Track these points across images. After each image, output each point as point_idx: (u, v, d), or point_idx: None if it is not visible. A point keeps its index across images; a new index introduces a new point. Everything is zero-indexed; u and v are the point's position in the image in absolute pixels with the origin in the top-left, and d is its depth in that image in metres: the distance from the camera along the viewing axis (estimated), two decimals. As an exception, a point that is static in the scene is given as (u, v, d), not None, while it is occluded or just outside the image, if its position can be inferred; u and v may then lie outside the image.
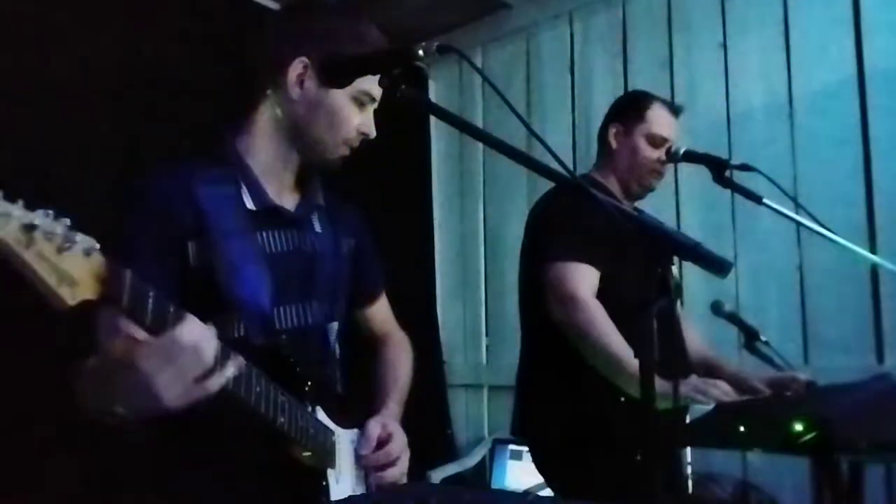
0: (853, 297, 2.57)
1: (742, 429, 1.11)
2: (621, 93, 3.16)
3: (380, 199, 3.71)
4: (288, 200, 1.31)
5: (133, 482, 2.31)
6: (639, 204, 2.18)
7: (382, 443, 1.31)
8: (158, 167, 1.24)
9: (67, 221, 0.77)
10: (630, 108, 2.02)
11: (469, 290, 3.80)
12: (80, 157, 2.38)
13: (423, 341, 3.73)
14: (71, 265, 0.76)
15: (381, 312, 1.62)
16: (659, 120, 1.98)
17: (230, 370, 0.95)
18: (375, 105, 1.29)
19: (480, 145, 3.44)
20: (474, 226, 3.80)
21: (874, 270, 2.53)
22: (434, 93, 3.90)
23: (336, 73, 1.13)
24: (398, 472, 1.33)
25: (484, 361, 3.72)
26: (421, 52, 1.03)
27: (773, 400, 1.58)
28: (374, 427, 1.31)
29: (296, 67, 1.23)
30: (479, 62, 3.67)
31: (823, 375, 1.73)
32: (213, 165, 1.25)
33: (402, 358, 1.59)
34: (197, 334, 0.90)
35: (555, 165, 1.01)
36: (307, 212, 1.34)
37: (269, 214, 1.24)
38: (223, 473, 1.18)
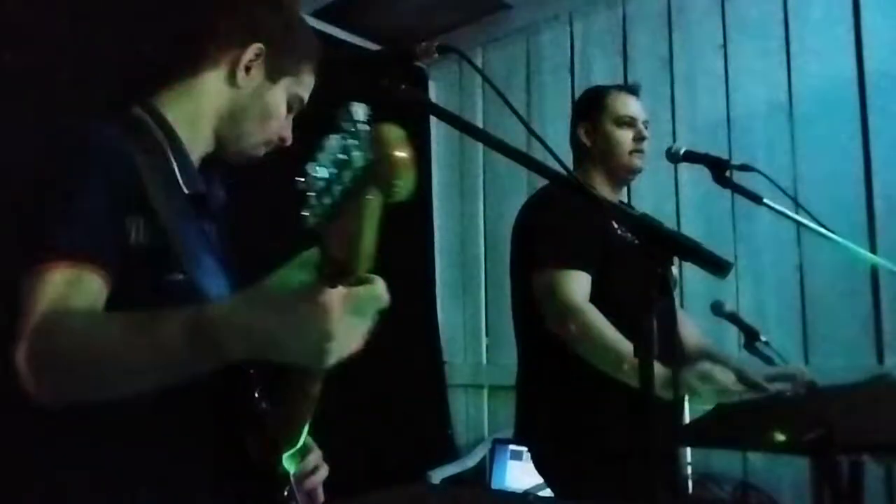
0: (853, 297, 2.57)
1: (742, 429, 1.11)
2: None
3: (380, 199, 3.71)
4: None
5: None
6: (639, 204, 2.18)
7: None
8: (97, 121, 1.07)
9: None
10: (590, 103, 2.03)
11: (469, 290, 3.80)
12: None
13: (423, 341, 3.75)
14: None
15: None
16: (620, 102, 1.98)
17: None
18: (300, 106, 1.24)
19: (480, 145, 3.44)
20: (474, 226, 3.80)
21: (874, 270, 2.53)
22: (434, 93, 3.90)
23: (335, 74, 1.12)
24: (323, 475, 1.25)
25: (484, 361, 3.72)
26: (421, 53, 1.03)
27: (773, 400, 1.58)
28: None
29: (249, 52, 1.16)
30: (479, 62, 3.68)
31: (823, 375, 1.73)
32: (145, 130, 1.11)
33: None
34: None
35: (555, 165, 1.01)
36: (217, 203, 1.22)
37: (199, 202, 1.12)
38: (175, 474, 1.06)
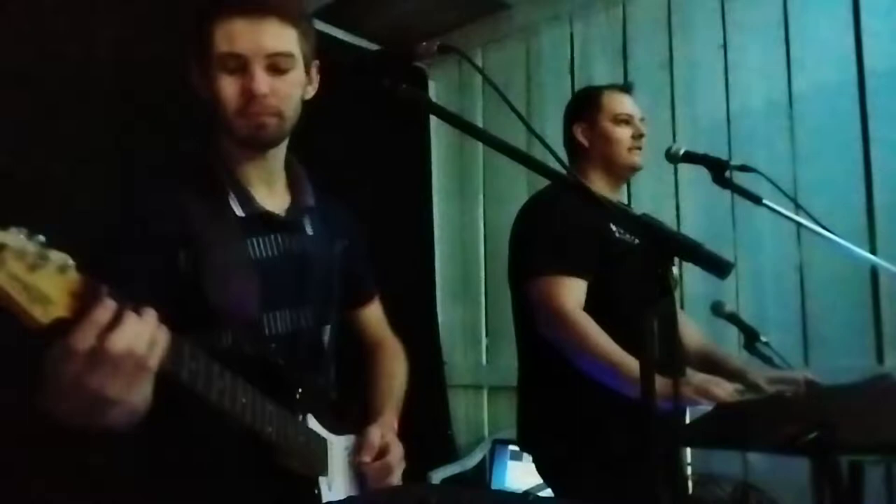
0: (853, 297, 2.57)
1: (742, 429, 1.11)
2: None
3: (380, 198, 3.72)
4: (278, 204, 1.29)
5: (121, 490, 2.31)
6: (638, 205, 2.17)
7: (382, 452, 1.30)
8: (145, 176, 1.23)
9: (42, 238, 0.75)
10: (585, 103, 2.03)
11: (469, 291, 3.80)
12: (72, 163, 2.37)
13: (423, 342, 3.75)
14: (44, 283, 0.73)
15: (374, 316, 1.60)
16: (615, 101, 1.99)
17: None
18: (257, 60, 1.17)
19: (480, 145, 3.44)
20: (474, 226, 3.80)
21: (874, 271, 2.53)
22: (434, 93, 3.90)
23: (334, 75, 1.12)
24: (391, 481, 1.32)
25: (484, 362, 3.72)
26: (421, 53, 1.03)
27: (773, 400, 1.58)
28: (375, 435, 1.30)
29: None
30: (479, 62, 3.67)
31: (823, 375, 1.73)
32: (199, 172, 1.24)
33: (397, 367, 1.57)
34: (129, 335, 0.83)
35: (555, 165, 1.01)
36: (297, 214, 1.32)
37: (259, 220, 1.23)
38: (214, 483, 1.17)
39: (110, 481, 2.32)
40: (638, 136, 1.95)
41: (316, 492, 1.16)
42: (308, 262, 1.29)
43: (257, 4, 1.17)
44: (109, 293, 0.80)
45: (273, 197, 1.29)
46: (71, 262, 0.77)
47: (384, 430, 1.33)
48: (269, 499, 1.14)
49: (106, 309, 0.80)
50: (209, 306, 1.12)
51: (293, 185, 1.34)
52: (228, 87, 1.17)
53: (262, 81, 1.16)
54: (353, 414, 1.37)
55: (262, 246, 1.22)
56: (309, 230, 1.33)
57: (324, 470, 1.19)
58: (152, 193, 1.18)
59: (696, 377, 1.59)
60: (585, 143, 1.98)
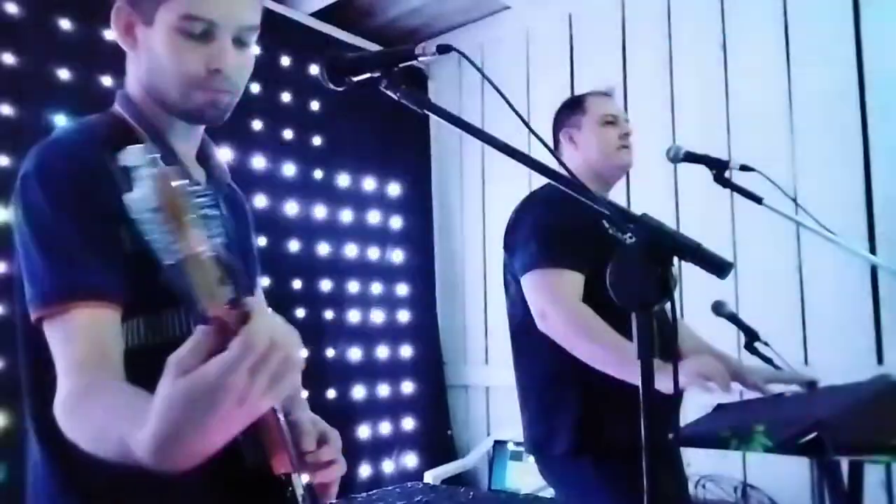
0: (853, 297, 2.57)
1: (742, 429, 1.11)
2: (621, 93, 3.16)
3: (380, 198, 3.73)
4: (196, 177, 1.14)
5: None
6: (638, 204, 2.17)
7: (322, 438, 1.15)
8: (61, 138, 1.05)
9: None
10: (569, 110, 2.05)
11: (469, 290, 3.80)
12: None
13: (424, 341, 3.75)
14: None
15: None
16: (599, 104, 2.01)
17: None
18: (228, 30, 1.05)
19: (480, 145, 3.44)
20: (474, 226, 3.81)
21: (874, 270, 2.54)
22: (434, 93, 3.90)
23: (334, 73, 1.11)
24: (341, 471, 1.22)
25: (484, 361, 3.72)
26: (420, 53, 1.03)
27: (772, 400, 1.58)
28: (311, 425, 1.14)
29: (118, 17, 1.07)
30: (478, 62, 3.67)
31: (823, 375, 1.73)
32: (118, 132, 1.07)
33: None
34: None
35: (555, 165, 1.01)
36: (217, 192, 1.17)
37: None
38: (172, 485, 1.07)
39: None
40: (625, 135, 1.96)
41: (290, 490, 1.10)
42: (231, 246, 1.14)
43: None
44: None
45: (194, 172, 1.15)
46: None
47: (307, 415, 1.18)
48: (238, 500, 1.07)
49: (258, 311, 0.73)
50: (160, 290, 0.92)
51: (206, 162, 1.20)
52: (189, 54, 1.03)
53: (231, 56, 1.05)
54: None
55: None
56: (224, 210, 1.20)
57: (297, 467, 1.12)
58: (85, 159, 0.99)
59: (693, 361, 1.57)
60: (574, 147, 2.00)
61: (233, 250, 1.15)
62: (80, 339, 0.91)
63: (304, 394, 1.32)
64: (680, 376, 1.49)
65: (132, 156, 0.68)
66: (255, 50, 1.13)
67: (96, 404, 0.88)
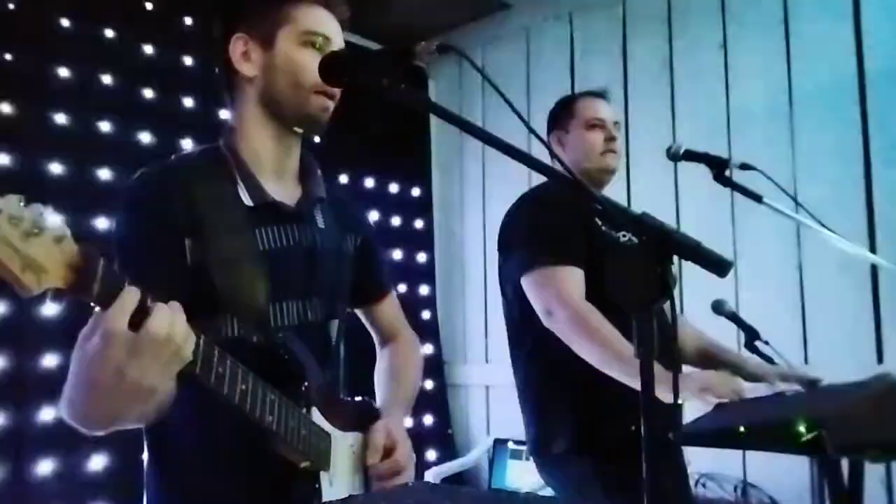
0: (853, 297, 2.58)
1: (742, 429, 1.11)
2: (621, 93, 3.17)
3: (380, 198, 3.72)
4: (288, 195, 1.28)
5: (119, 483, 2.32)
6: (638, 203, 2.17)
7: (388, 451, 1.28)
8: (154, 165, 1.22)
9: (40, 207, 0.74)
10: (559, 113, 2.05)
11: (469, 290, 3.80)
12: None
13: (424, 341, 3.75)
14: (38, 251, 0.73)
15: (389, 311, 1.57)
16: (587, 106, 2.01)
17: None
18: (335, 45, 1.26)
19: (480, 145, 3.44)
20: (474, 226, 3.81)
21: (874, 270, 2.54)
22: (434, 92, 3.90)
23: (333, 73, 1.11)
24: (402, 481, 1.29)
25: (484, 361, 3.72)
26: (421, 52, 1.03)
27: (772, 400, 1.57)
28: (379, 435, 1.27)
29: (236, 47, 1.24)
30: (478, 62, 3.68)
31: (823, 375, 1.73)
32: (209, 161, 1.24)
33: (410, 360, 1.54)
34: (167, 323, 0.86)
35: (554, 165, 1.01)
36: (308, 206, 1.31)
37: (268, 210, 1.22)
38: (211, 476, 1.16)
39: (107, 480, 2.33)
40: (610, 139, 1.96)
41: (316, 486, 1.15)
42: (317, 254, 1.28)
43: (337, 2, 1.29)
44: (105, 267, 0.81)
45: (284, 188, 1.28)
46: (68, 232, 0.77)
47: (391, 428, 1.30)
48: (268, 490, 1.14)
49: (132, 294, 0.83)
50: (216, 295, 1.12)
51: (305, 177, 1.34)
52: (313, 62, 1.17)
53: None
54: (360, 411, 1.34)
55: (270, 236, 1.21)
56: (320, 223, 1.32)
57: (326, 465, 1.18)
58: (161, 181, 1.19)
59: (699, 375, 1.58)
60: (562, 149, 2.00)
61: (322, 253, 1.29)
62: None
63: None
64: (684, 390, 1.49)
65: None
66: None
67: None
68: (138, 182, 1.19)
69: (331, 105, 1.25)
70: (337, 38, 1.26)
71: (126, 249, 1.14)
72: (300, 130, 1.28)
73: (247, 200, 1.21)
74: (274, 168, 1.27)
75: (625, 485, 1.68)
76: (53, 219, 0.76)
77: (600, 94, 2.07)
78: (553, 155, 0.99)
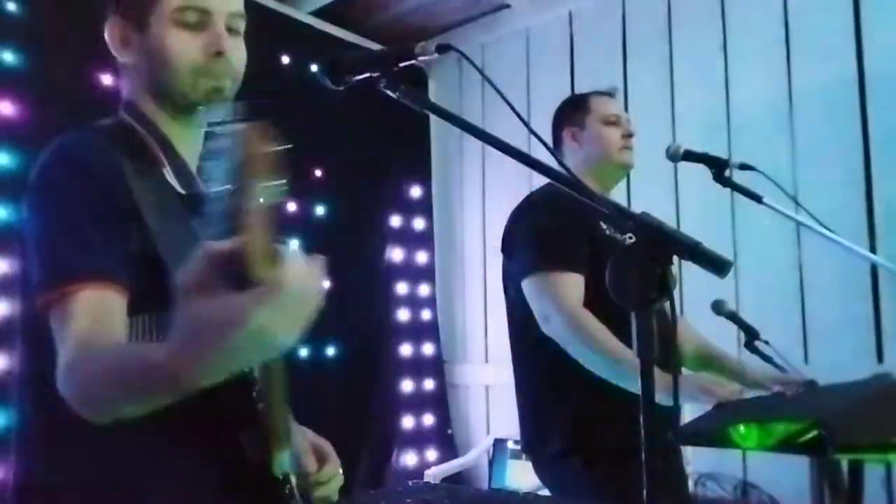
0: (853, 297, 2.57)
1: (742, 429, 1.11)
2: (621, 93, 3.16)
3: (380, 198, 3.72)
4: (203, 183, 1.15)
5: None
6: (638, 204, 2.17)
7: (321, 456, 1.19)
8: (74, 133, 1.08)
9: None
10: (573, 108, 2.05)
11: (469, 290, 3.80)
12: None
13: (424, 341, 3.76)
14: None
15: None
16: (603, 104, 2.01)
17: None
18: (221, 17, 1.09)
19: (480, 145, 3.44)
20: (474, 226, 3.81)
21: (874, 270, 2.54)
22: (434, 92, 3.90)
23: (334, 72, 1.11)
24: (339, 484, 1.20)
25: (484, 361, 3.72)
26: (420, 52, 1.03)
27: (772, 399, 1.58)
28: (307, 443, 1.18)
29: (112, 31, 1.11)
30: (478, 62, 3.67)
31: (823, 375, 1.73)
32: (128, 137, 1.10)
33: None
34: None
35: (555, 165, 1.01)
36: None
37: (196, 200, 1.09)
38: (182, 479, 1.07)
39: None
40: (627, 135, 1.97)
41: (288, 488, 1.11)
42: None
43: None
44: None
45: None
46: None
47: (300, 432, 1.21)
48: (240, 492, 1.09)
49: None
50: (164, 288, 0.93)
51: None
52: (187, 42, 1.07)
53: (228, 39, 1.09)
54: None
55: (202, 228, 1.09)
56: None
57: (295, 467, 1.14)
58: (100, 152, 1.03)
59: (697, 378, 1.59)
60: (577, 146, 2.00)
61: None
62: (82, 315, 0.91)
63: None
64: (682, 393, 1.50)
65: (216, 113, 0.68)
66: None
67: (101, 358, 0.89)
68: (74, 150, 1.04)
69: (226, 83, 1.10)
70: (221, 5, 1.09)
71: (76, 226, 0.97)
72: (197, 113, 1.13)
73: (177, 187, 1.09)
74: (189, 154, 1.14)
75: (617, 487, 1.69)
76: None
77: (611, 94, 2.07)
78: (554, 155, 0.99)
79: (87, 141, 1.06)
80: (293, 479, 1.10)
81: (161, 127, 1.12)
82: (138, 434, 0.94)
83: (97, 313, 0.92)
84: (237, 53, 1.12)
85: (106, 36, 1.12)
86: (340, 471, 1.21)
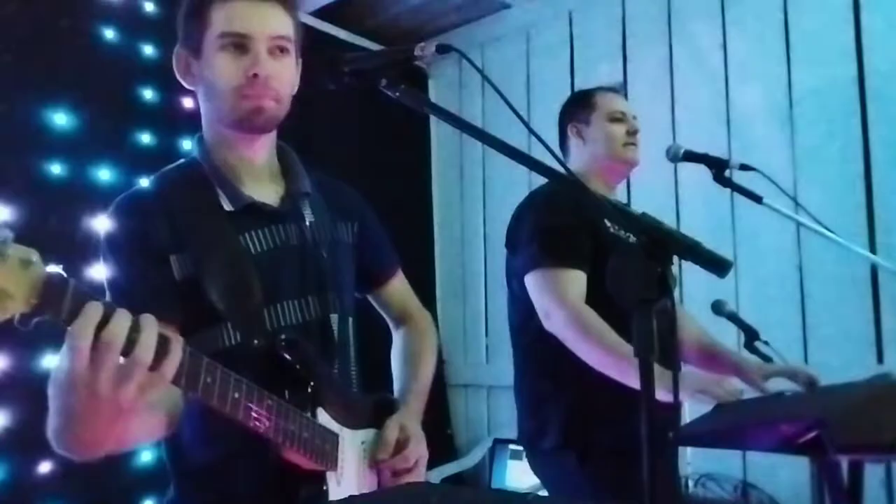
0: (853, 297, 2.57)
1: (742, 429, 1.11)
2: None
3: (380, 199, 3.71)
4: (270, 195, 1.26)
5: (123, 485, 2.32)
6: (638, 204, 2.17)
7: (400, 447, 1.26)
8: (128, 192, 1.24)
9: (7, 233, 0.74)
10: (580, 104, 2.05)
11: (469, 290, 3.80)
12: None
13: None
14: (2, 278, 0.73)
15: (397, 292, 1.55)
16: (609, 100, 2.02)
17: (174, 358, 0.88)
18: (261, 41, 1.17)
19: (480, 145, 3.44)
20: (474, 226, 3.81)
21: (874, 270, 2.54)
22: (434, 93, 3.90)
23: (334, 72, 1.11)
24: (415, 477, 1.28)
25: (484, 361, 3.72)
26: (420, 52, 1.03)
27: (772, 399, 1.58)
28: (392, 430, 1.25)
29: (178, 61, 1.24)
30: (478, 62, 3.67)
31: (823, 375, 1.73)
32: (185, 174, 1.24)
33: (425, 346, 1.50)
34: (125, 326, 0.83)
35: (555, 165, 1.01)
36: (293, 203, 1.28)
37: (250, 213, 1.21)
38: (219, 479, 1.16)
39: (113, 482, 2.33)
40: (633, 132, 1.97)
41: (324, 487, 1.15)
42: (309, 250, 1.26)
43: None
44: (75, 288, 0.80)
45: (263, 187, 1.26)
46: (35, 257, 0.76)
47: (404, 422, 1.28)
48: (273, 492, 1.13)
49: (95, 306, 0.80)
50: (209, 305, 1.12)
51: (287, 174, 1.31)
52: (228, 65, 1.16)
53: (267, 62, 1.17)
54: (375, 407, 1.32)
55: (257, 239, 1.20)
56: (309, 217, 1.29)
57: (332, 465, 1.17)
58: (143, 200, 1.20)
59: (697, 376, 1.59)
60: (582, 142, 2.00)
61: (314, 249, 1.27)
62: None
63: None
64: (681, 391, 1.49)
65: None
66: (295, 62, 1.27)
67: None
68: (113, 214, 1.19)
69: (265, 103, 1.18)
70: (261, 29, 1.17)
71: (116, 285, 1.14)
72: (246, 132, 1.24)
73: (227, 206, 1.20)
74: (247, 171, 1.25)
75: (610, 484, 1.69)
76: (17, 245, 0.75)
77: (617, 90, 2.07)
78: (553, 155, 0.99)
79: (134, 196, 1.22)
80: (330, 479, 1.13)
81: (219, 151, 1.25)
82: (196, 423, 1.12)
83: None
84: (281, 76, 1.20)
85: (174, 66, 1.24)
86: (418, 467, 1.29)
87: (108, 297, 1.07)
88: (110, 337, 0.81)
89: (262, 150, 1.28)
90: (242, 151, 1.25)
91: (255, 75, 1.15)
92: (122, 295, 1.08)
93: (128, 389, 0.83)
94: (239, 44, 1.16)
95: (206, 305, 1.12)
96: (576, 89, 3.29)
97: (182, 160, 1.28)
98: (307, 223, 1.28)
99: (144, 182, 1.27)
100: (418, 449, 1.28)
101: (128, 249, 1.14)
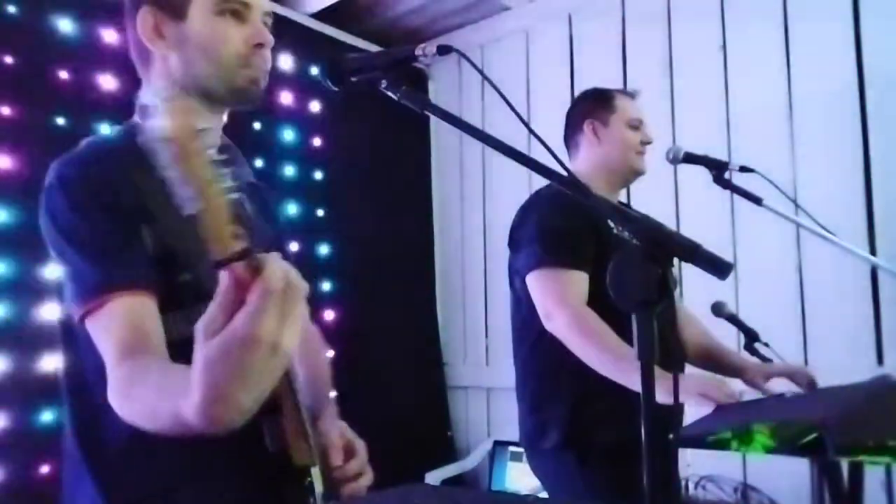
0: (853, 297, 2.57)
1: (741, 429, 1.11)
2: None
3: (380, 199, 3.72)
4: None
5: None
6: (638, 205, 2.17)
7: (348, 452, 1.20)
8: (80, 149, 1.10)
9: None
10: (598, 103, 2.04)
11: (469, 292, 3.80)
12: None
13: (424, 342, 3.75)
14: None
15: None
16: (629, 106, 2.02)
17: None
18: (258, 12, 1.13)
19: (480, 145, 3.44)
20: (474, 227, 3.80)
21: (874, 272, 2.54)
22: (434, 93, 3.90)
23: (334, 74, 1.11)
24: (367, 481, 1.21)
25: (484, 363, 3.72)
26: (421, 53, 1.03)
27: (772, 400, 1.58)
28: (335, 434, 1.19)
29: (145, 21, 1.11)
30: (478, 62, 3.67)
31: (823, 377, 1.73)
32: (134, 144, 1.13)
33: (321, 352, 1.41)
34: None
35: (555, 165, 1.01)
36: (241, 182, 1.19)
37: None
38: (202, 473, 1.10)
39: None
40: (647, 142, 1.98)
41: (308, 480, 1.12)
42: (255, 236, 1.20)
43: None
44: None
45: None
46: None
47: (343, 427, 1.22)
48: (261, 488, 1.10)
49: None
50: (191, 284, 1.03)
51: (231, 163, 1.21)
52: (231, 32, 1.10)
53: (267, 34, 1.13)
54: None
55: None
56: (248, 210, 1.22)
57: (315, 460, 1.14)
58: (103, 166, 1.05)
59: (697, 378, 1.59)
60: (597, 140, 1.99)
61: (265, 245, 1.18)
62: (122, 325, 0.95)
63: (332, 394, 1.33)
64: (681, 393, 1.49)
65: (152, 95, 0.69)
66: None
67: (145, 386, 0.90)
68: (73, 168, 1.05)
69: (262, 77, 1.13)
70: (260, 1, 1.13)
71: (86, 242, 1.00)
72: (230, 107, 1.17)
73: None
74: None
75: (611, 485, 1.69)
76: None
77: (633, 95, 2.07)
78: (553, 155, 0.99)
79: (86, 155, 1.08)
80: (314, 472, 1.10)
81: None
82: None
83: (135, 321, 0.96)
84: (269, 53, 1.16)
85: (137, 27, 1.12)
86: (368, 468, 1.22)
87: (72, 263, 0.99)
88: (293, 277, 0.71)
89: (219, 130, 1.20)
90: (205, 125, 1.12)
91: (260, 45, 1.12)
92: (107, 260, 0.97)
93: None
94: (238, 11, 1.11)
95: (182, 283, 1.02)
96: (576, 90, 3.31)
97: (121, 129, 1.16)
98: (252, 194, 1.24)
99: (86, 144, 1.11)
100: (364, 453, 1.22)
101: (102, 208, 1.00)
